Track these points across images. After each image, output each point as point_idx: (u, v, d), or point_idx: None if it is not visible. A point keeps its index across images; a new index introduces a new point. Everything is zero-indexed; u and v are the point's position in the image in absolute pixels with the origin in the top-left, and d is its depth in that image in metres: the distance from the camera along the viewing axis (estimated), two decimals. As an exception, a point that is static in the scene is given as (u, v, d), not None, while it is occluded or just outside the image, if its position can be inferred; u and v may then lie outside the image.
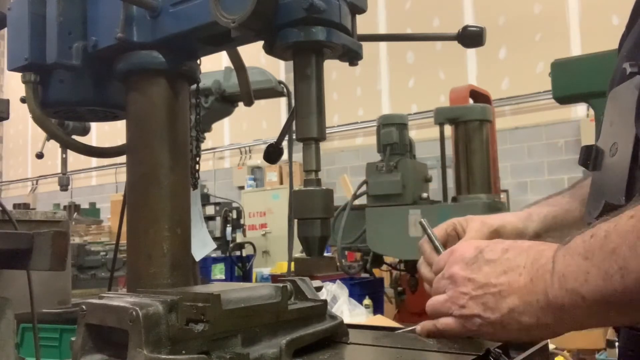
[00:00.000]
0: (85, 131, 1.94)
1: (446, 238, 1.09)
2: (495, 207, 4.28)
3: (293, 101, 1.07)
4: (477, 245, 0.80)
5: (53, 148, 1.89)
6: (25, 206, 4.54)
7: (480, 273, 0.76)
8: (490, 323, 0.75)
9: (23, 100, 1.32)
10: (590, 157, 0.96)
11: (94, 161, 13.31)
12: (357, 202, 4.64)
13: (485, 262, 0.77)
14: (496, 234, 1.07)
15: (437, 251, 1.05)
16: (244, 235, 8.43)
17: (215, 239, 6.79)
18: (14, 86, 13.44)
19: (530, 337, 0.77)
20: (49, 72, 1.31)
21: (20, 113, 1.88)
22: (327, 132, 1.08)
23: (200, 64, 1.32)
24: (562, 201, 1.18)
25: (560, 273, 0.69)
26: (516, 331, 0.75)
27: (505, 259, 0.76)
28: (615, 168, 0.89)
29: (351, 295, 4.09)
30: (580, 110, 7.93)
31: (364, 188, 4.54)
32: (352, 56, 1.09)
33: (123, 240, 1.42)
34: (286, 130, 1.40)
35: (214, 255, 6.91)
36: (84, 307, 0.92)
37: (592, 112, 6.35)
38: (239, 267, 6.94)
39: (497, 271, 0.75)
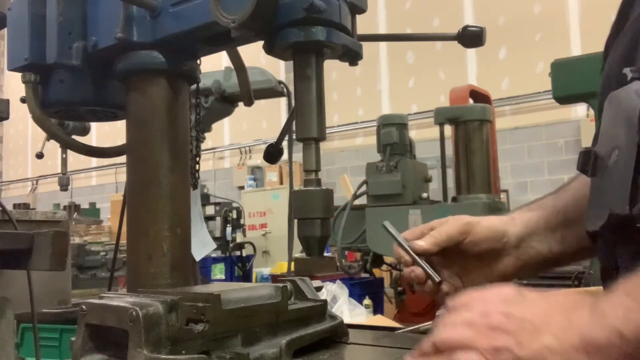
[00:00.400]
0: (85, 131, 1.94)
1: (421, 237, 1.08)
2: (495, 207, 4.28)
3: (293, 101, 1.07)
4: (516, 288, 0.77)
5: (53, 148, 1.89)
6: (25, 206, 4.55)
7: (517, 309, 0.72)
8: (519, 359, 0.69)
9: (23, 100, 1.32)
10: (588, 163, 0.95)
11: (94, 161, 13.31)
12: (357, 202, 4.64)
13: (523, 299, 0.74)
14: (468, 226, 1.06)
15: (407, 252, 1.04)
16: (244, 235, 8.43)
17: (215, 239, 6.79)
18: (14, 86, 13.44)
19: None
20: (49, 72, 1.31)
21: (20, 113, 1.88)
22: (327, 132, 1.08)
23: (200, 64, 1.32)
24: (547, 204, 1.17)
25: (601, 311, 0.67)
26: None
27: (544, 299, 0.74)
28: (616, 175, 0.88)
29: (351, 295, 4.09)
30: (580, 110, 7.94)
31: (364, 188, 4.54)
32: (352, 56, 1.09)
33: (123, 240, 1.42)
34: (286, 130, 1.40)
35: (214, 255, 6.91)
36: (84, 307, 0.92)
37: (592, 112, 6.36)
38: (239, 267, 6.94)
39: (535, 310, 0.72)
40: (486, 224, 1.07)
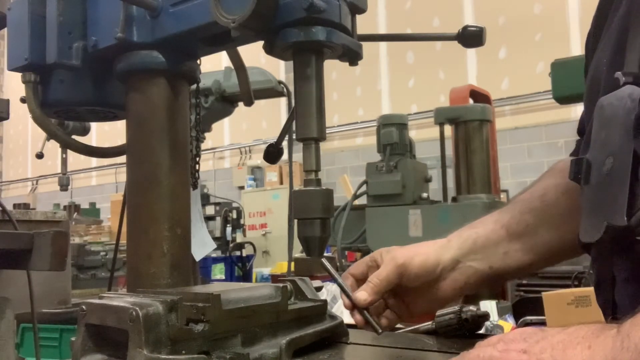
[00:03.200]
0: (85, 131, 1.94)
1: (367, 271, 1.10)
2: (495, 207, 4.25)
3: (293, 101, 1.07)
4: (539, 328, 0.77)
5: (53, 148, 1.89)
6: (25, 206, 4.55)
7: (537, 345, 0.71)
8: None
9: (23, 100, 1.32)
10: (581, 171, 0.93)
11: (94, 161, 13.31)
12: (357, 202, 4.64)
13: (542, 336, 0.73)
14: (403, 267, 1.07)
15: (343, 290, 1.06)
16: (244, 235, 8.43)
17: (215, 239, 6.80)
18: (14, 86, 13.44)
19: None
20: (49, 72, 1.30)
21: (20, 113, 1.88)
22: (327, 132, 1.08)
23: (200, 64, 1.32)
24: (489, 220, 1.18)
25: (625, 333, 0.65)
26: None
27: (564, 331, 0.72)
28: (612, 184, 0.85)
29: (351, 295, 4.08)
30: (580, 110, 7.82)
31: (364, 188, 4.54)
32: (352, 56, 1.09)
33: (123, 240, 1.42)
34: (286, 130, 1.40)
35: (214, 255, 6.90)
36: (84, 307, 0.92)
37: (592, 112, 6.34)
38: (239, 267, 6.95)
39: (554, 343, 0.70)
40: (419, 262, 1.08)
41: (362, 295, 1.04)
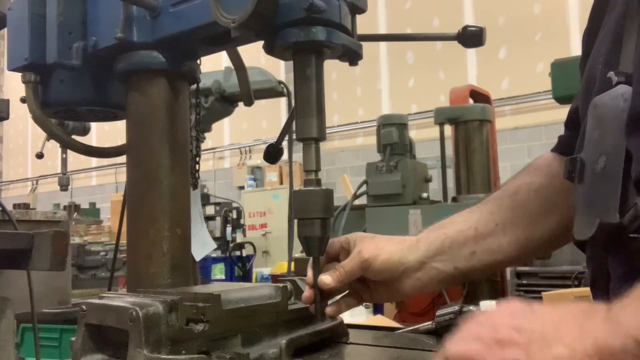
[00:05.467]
0: (85, 131, 1.94)
1: (339, 251, 1.12)
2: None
3: (293, 101, 1.07)
4: (526, 302, 0.76)
5: (53, 148, 1.89)
6: (25, 206, 4.55)
7: (527, 321, 0.71)
8: None
9: (23, 100, 1.32)
10: (575, 170, 0.94)
11: (94, 161, 13.31)
12: (357, 202, 4.64)
13: (533, 312, 0.73)
14: (367, 263, 1.08)
15: (314, 281, 1.06)
16: (244, 235, 8.43)
17: (215, 239, 6.79)
18: (14, 86, 13.44)
19: None
20: (49, 72, 1.30)
21: (20, 113, 1.88)
22: (327, 132, 1.08)
23: (200, 64, 1.32)
24: (459, 220, 1.18)
25: (615, 318, 0.66)
26: None
27: (555, 310, 0.73)
28: (604, 183, 0.86)
29: (351, 295, 4.08)
30: (580, 110, 7.92)
31: (364, 188, 4.54)
32: (352, 56, 1.09)
33: (123, 240, 1.42)
34: (286, 130, 1.40)
35: (214, 255, 6.90)
36: (84, 307, 0.92)
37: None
38: (239, 267, 6.94)
39: (546, 320, 0.71)
40: (382, 260, 1.09)
41: (327, 279, 1.05)
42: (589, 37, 1.09)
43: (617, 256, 0.88)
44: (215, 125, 2.99)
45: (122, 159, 1.27)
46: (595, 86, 0.95)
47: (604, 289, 0.92)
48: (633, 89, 0.84)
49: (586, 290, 2.39)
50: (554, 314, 0.72)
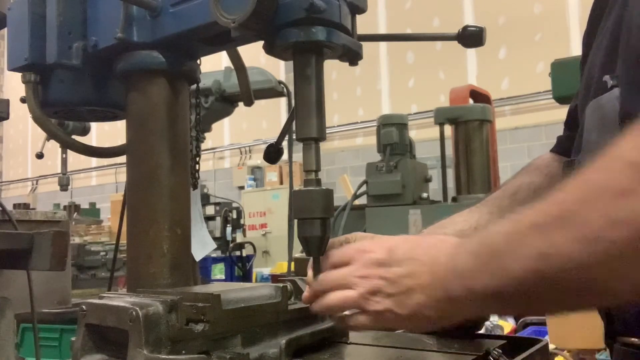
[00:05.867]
0: (85, 131, 1.94)
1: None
2: (495, 207, 4.27)
3: (293, 101, 1.07)
4: (388, 246, 0.86)
5: (53, 148, 1.89)
6: (25, 206, 4.55)
7: (392, 272, 0.82)
8: (401, 317, 0.82)
9: (23, 100, 1.32)
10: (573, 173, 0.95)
11: (94, 161, 13.31)
12: (357, 202, 4.64)
13: (395, 262, 0.83)
14: None
15: (314, 267, 1.05)
16: (244, 235, 8.43)
17: (215, 239, 6.79)
18: (14, 86, 13.44)
19: (433, 327, 0.88)
20: (49, 72, 1.30)
21: (20, 113, 1.88)
22: (327, 132, 1.07)
23: (200, 64, 1.32)
24: (459, 220, 1.19)
25: (456, 270, 0.77)
26: (423, 322, 0.83)
27: (411, 259, 0.83)
28: None
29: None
30: (580, 110, 7.92)
31: (364, 188, 4.54)
32: (352, 56, 1.09)
33: (123, 240, 1.42)
34: (286, 130, 1.40)
35: (214, 255, 6.90)
36: (84, 307, 0.92)
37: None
38: (239, 267, 6.94)
39: (406, 271, 0.82)
40: None
41: None
42: (588, 38, 1.09)
43: None
44: (215, 125, 3.00)
45: (122, 159, 1.27)
46: (592, 89, 0.95)
47: None
48: (620, 92, 0.85)
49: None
50: (411, 263, 0.82)
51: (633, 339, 0.92)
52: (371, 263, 0.85)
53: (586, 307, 0.78)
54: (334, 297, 0.87)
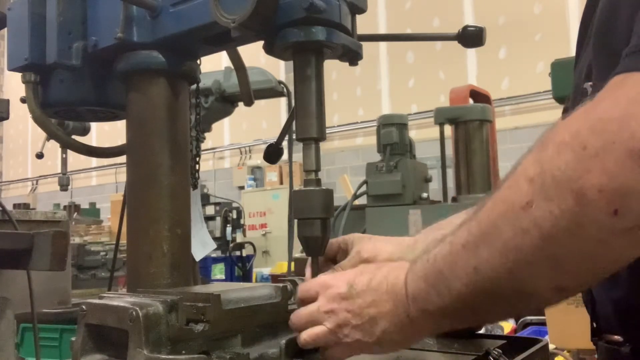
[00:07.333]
0: (85, 131, 1.94)
1: (337, 251, 1.14)
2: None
3: (293, 101, 1.07)
4: (348, 280, 0.91)
5: (53, 148, 1.89)
6: (25, 206, 4.55)
7: (355, 305, 0.87)
8: (369, 345, 0.87)
9: (23, 100, 1.32)
10: None
11: (94, 161, 13.31)
12: (357, 202, 4.64)
13: (357, 294, 0.88)
14: (366, 262, 1.09)
15: (312, 267, 1.07)
16: (244, 235, 8.43)
17: (215, 239, 6.78)
18: (14, 86, 13.43)
19: (400, 348, 0.92)
20: (49, 72, 1.30)
21: (20, 113, 1.88)
22: (327, 132, 1.08)
23: (200, 64, 1.32)
24: (455, 221, 1.18)
25: (412, 296, 0.83)
26: (390, 347, 0.89)
27: (371, 289, 0.88)
28: None
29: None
30: (580, 110, 7.91)
31: (364, 188, 4.54)
32: (352, 56, 1.09)
33: (123, 240, 1.42)
34: (286, 130, 1.40)
35: (214, 255, 6.90)
36: (84, 307, 0.92)
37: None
38: (239, 267, 6.94)
39: (367, 301, 0.87)
40: (382, 259, 1.11)
41: None
42: (578, 46, 1.10)
43: None
44: (215, 125, 2.99)
45: (122, 159, 1.27)
46: (578, 95, 0.97)
47: (588, 289, 0.99)
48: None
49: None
50: (372, 293, 0.88)
51: (615, 336, 0.95)
52: (334, 298, 0.90)
53: (521, 311, 0.85)
54: (307, 336, 0.91)
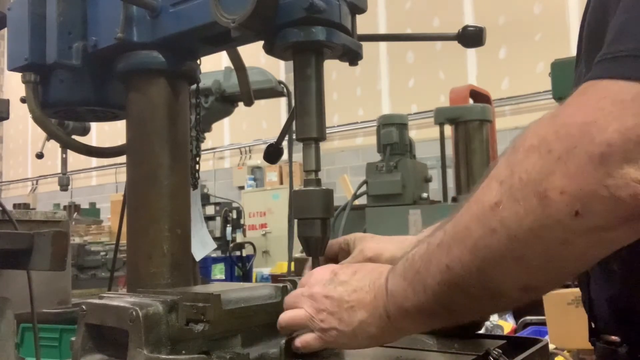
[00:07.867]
0: (85, 131, 1.93)
1: (338, 252, 1.15)
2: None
3: (293, 101, 1.07)
4: (332, 269, 0.94)
5: (53, 148, 1.89)
6: (25, 206, 4.55)
7: (336, 292, 0.89)
8: (345, 334, 0.88)
9: (23, 100, 1.32)
10: None
11: (94, 161, 13.31)
12: (357, 202, 4.64)
13: (339, 283, 0.90)
14: (370, 261, 1.10)
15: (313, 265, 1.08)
16: (244, 235, 8.43)
17: (215, 239, 6.78)
18: (14, 86, 13.43)
19: (374, 344, 0.92)
20: (49, 72, 1.30)
21: (20, 113, 1.88)
22: (327, 132, 1.08)
23: (200, 64, 1.32)
24: None
25: (390, 292, 0.85)
26: (365, 340, 0.89)
27: (355, 280, 0.90)
28: None
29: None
30: (580, 110, 7.90)
31: (364, 188, 4.54)
32: (352, 56, 1.09)
33: (123, 240, 1.42)
34: (286, 130, 1.40)
35: (214, 255, 6.90)
36: (84, 307, 0.92)
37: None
38: (239, 267, 6.94)
39: (349, 290, 0.89)
40: (386, 258, 1.12)
41: None
42: (578, 49, 1.11)
43: None
44: (215, 125, 2.99)
45: (122, 159, 1.27)
46: None
47: (586, 288, 1.01)
48: None
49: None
50: (354, 283, 0.89)
51: (613, 337, 0.95)
52: (317, 283, 0.92)
53: (492, 311, 0.85)
54: (285, 316, 0.93)
